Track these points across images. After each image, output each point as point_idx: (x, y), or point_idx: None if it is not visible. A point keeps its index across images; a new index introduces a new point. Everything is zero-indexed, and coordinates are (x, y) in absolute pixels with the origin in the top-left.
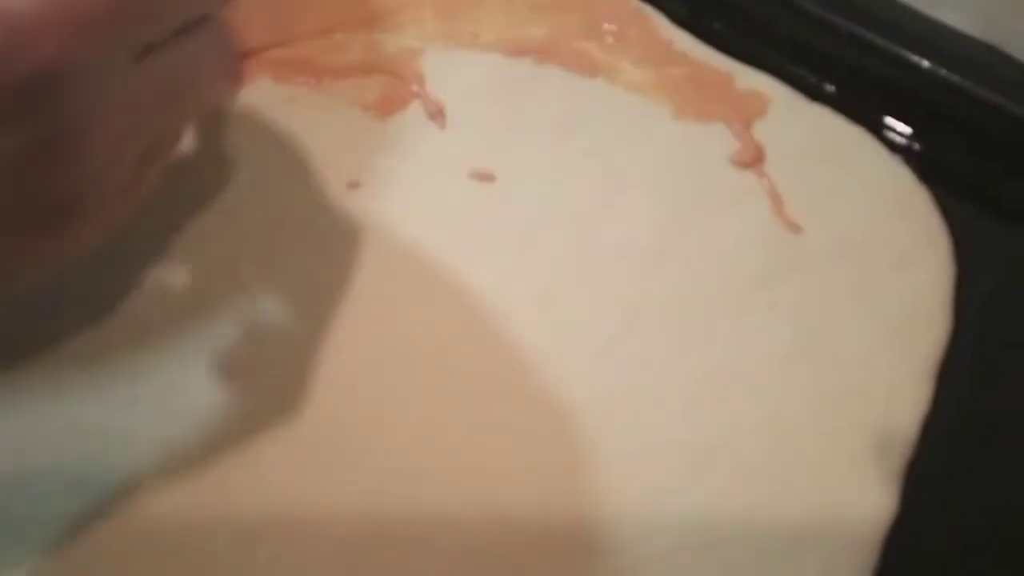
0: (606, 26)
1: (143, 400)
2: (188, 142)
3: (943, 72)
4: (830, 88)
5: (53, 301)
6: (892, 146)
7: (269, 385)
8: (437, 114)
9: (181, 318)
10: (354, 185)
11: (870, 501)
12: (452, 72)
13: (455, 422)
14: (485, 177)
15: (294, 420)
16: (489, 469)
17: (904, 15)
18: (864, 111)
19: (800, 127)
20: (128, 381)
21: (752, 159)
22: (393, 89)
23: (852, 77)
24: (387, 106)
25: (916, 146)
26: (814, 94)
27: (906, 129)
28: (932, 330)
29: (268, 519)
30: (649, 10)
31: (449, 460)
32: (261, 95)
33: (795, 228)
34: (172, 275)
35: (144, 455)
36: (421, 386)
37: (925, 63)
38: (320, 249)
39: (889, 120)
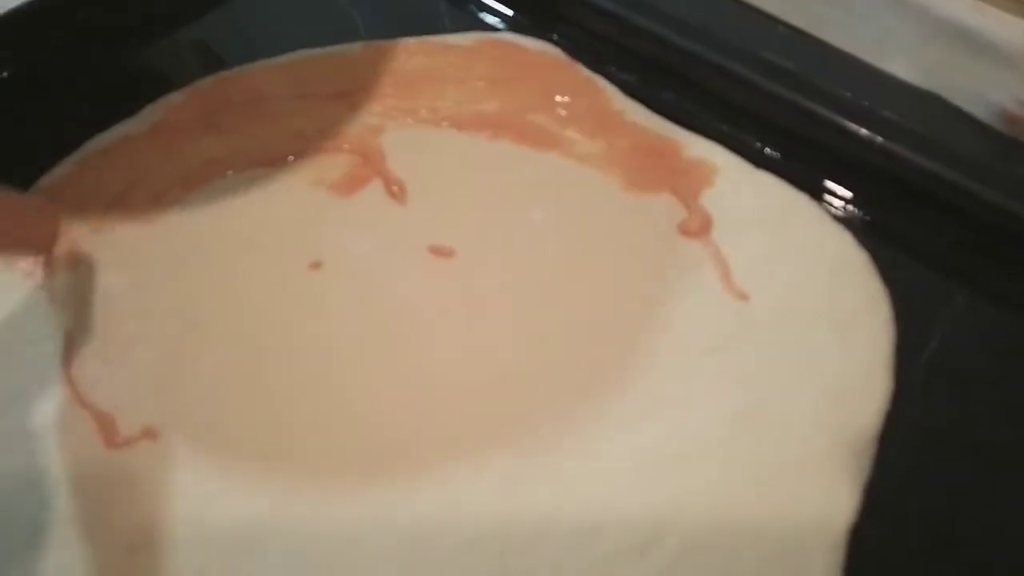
0: (558, 98)
1: None
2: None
3: (881, 139)
4: (774, 154)
5: None
6: (834, 210)
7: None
8: (397, 191)
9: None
10: (316, 265)
11: (817, 564)
12: (411, 149)
13: (416, 505)
14: (445, 252)
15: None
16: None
17: (850, 69)
18: (807, 176)
19: (746, 195)
20: None
21: (699, 228)
22: (354, 167)
23: (795, 144)
24: (349, 184)
25: (856, 211)
26: (759, 160)
27: (847, 193)
28: (874, 395)
29: None
30: (600, 81)
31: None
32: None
33: (741, 296)
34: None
35: None
36: (376, 461)
37: (863, 131)
38: (282, 329)
39: (832, 185)
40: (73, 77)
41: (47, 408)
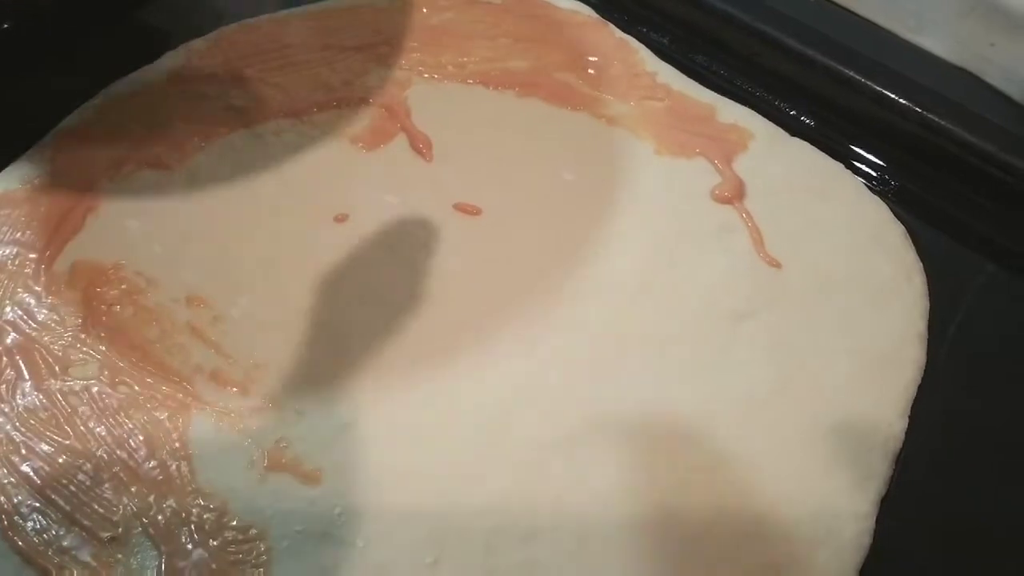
0: (589, 59)
1: None
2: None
3: (917, 109)
4: (808, 122)
5: None
6: (868, 180)
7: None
8: (423, 147)
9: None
10: (341, 218)
11: (847, 533)
12: (438, 105)
13: (460, 455)
14: (471, 211)
15: None
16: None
17: (884, 43)
18: (841, 146)
19: (780, 162)
20: None
21: (733, 194)
22: (379, 122)
23: (829, 112)
24: (373, 139)
25: (892, 181)
26: (793, 128)
27: (882, 163)
28: (907, 365)
29: None
30: (633, 43)
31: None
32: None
33: (775, 263)
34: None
35: None
36: (407, 427)
37: (901, 100)
38: (309, 283)
39: (865, 154)
40: (73, 32)
41: None
